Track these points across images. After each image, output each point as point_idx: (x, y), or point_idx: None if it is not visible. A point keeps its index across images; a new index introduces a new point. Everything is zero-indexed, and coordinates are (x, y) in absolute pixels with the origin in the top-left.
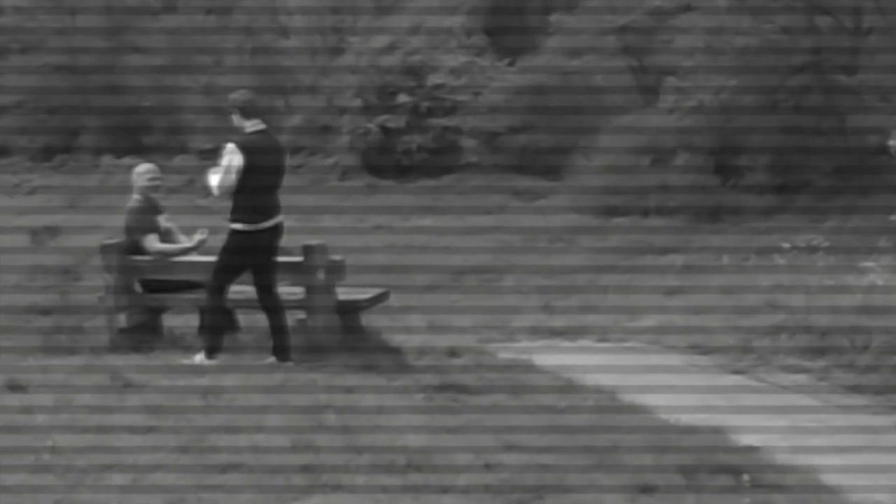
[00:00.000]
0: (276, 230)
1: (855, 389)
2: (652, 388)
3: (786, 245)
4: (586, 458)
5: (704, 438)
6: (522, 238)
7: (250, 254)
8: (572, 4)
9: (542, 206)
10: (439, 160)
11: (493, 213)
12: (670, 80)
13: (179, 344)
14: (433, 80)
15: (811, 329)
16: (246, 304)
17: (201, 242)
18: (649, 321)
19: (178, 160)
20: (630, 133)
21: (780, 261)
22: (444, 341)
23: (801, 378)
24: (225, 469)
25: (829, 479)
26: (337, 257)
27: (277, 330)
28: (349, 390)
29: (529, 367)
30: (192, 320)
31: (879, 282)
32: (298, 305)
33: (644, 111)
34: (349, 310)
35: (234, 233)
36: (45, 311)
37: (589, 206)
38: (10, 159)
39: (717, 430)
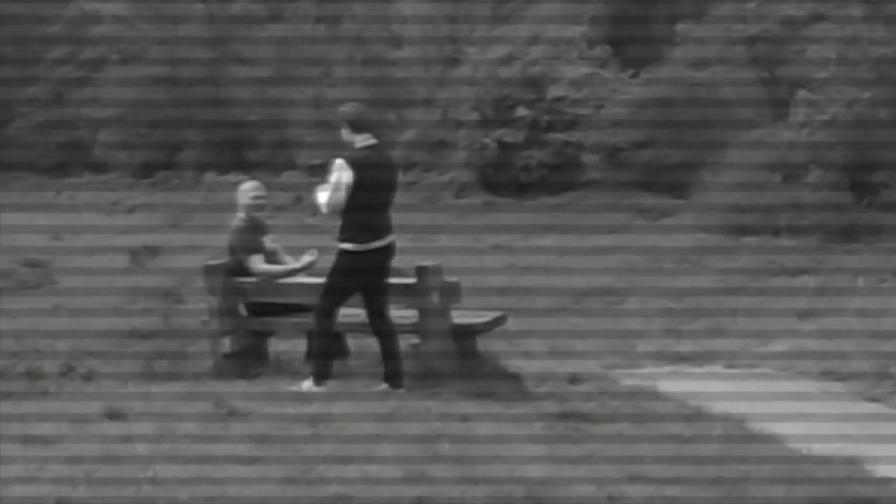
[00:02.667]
0: (388, 250)
1: None
2: (783, 417)
3: None
4: (714, 489)
5: (838, 469)
6: (647, 258)
7: (360, 275)
8: (700, 13)
9: (667, 224)
10: (560, 176)
11: (616, 232)
12: (802, 93)
13: (286, 370)
14: (553, 92)
15: None
16: (356, 328)
17: (310, 264)
18: (781, 346)
19: (285, 177)
20: (760, 148)
21: None
22: (564, 367)
23: None
24: (334, 501)
25: None
26: (452, 279)
27: (389, 355)
28: (465, 418)
29: (654, 395)
30: (300, 345)
31: None
32: (411, 329)
33: (774, 125)
34: (465, 334)
35: (344, 253)
36: (145, 336)
37: (717, 224)
38: (109, 175)
39: (851, 461)
